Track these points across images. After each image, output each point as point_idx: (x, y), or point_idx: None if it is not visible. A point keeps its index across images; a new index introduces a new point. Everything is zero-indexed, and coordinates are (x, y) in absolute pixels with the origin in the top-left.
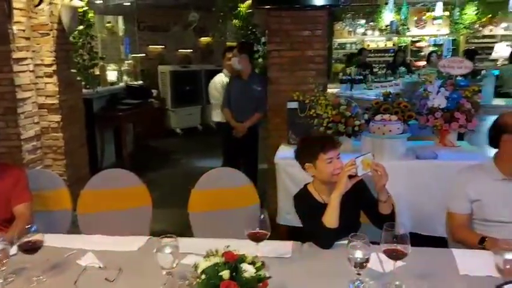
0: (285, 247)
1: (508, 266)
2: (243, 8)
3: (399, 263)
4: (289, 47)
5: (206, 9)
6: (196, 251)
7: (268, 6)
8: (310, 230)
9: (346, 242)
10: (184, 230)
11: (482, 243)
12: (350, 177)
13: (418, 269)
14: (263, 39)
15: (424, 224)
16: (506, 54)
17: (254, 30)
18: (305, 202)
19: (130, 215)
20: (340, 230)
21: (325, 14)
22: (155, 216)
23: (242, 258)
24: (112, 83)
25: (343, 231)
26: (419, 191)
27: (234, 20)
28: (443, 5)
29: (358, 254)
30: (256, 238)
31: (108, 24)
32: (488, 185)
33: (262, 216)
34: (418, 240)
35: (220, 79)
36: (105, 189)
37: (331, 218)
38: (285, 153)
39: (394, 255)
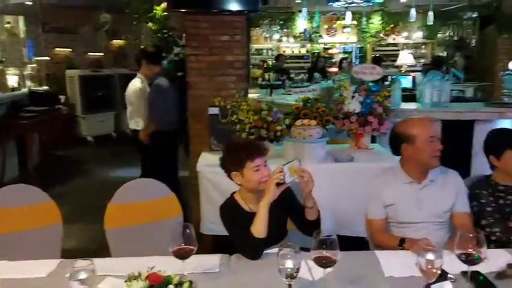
0: (212, 261)
1: (429, 266)
2: (158, 10)
3: (328, 269)
4: (208, 52)
5: (119, 11)
6: (116, 273)
7: (184, 10)
8: (238, 240)
9: (273, 250)
10: (100, 249)
11: (402, 244)
12: (278, 184)
13: (345, 274)
14: (182, 42)
15: (345, 226)
16: (409, 61)
17: (171, 33)
18: (232, 212)
19: (37, 235)
20: (267, 239)
21: (243, 19)
22: (66, 235)
23: (168, 280)
24: (13, 89)
25: (270, 240)
26: (338, 194)
27: (149, 23)
28: (352, 14)
29: (289, 264)
30: (182, 255)
31: (7, 25)
32: (399, 189)
33: (187, 231)
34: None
35: (136, 84)
36: (7, 208)
37: (259, 228)
38: (207, 160)
39: (323, 262)
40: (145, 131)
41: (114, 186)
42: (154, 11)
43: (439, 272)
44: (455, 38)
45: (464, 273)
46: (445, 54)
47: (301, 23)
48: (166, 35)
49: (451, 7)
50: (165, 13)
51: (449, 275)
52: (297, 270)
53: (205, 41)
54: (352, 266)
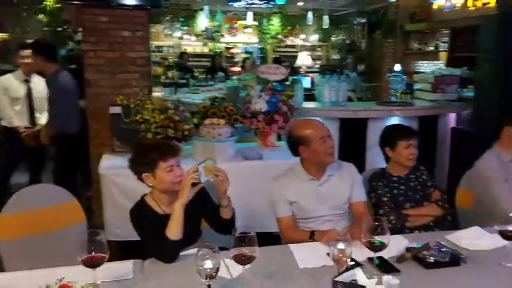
0: (125, 267)
1: (341, 255)
2: (49, 1)
3: (247, 266)
4: (108, 48)
5: (5, 1)
6: None
7: (80, 2)
8: (153, 244)
9: (188, 252)
10: None
11: (312, 236)
12: (193, 184)
13: (262, 269)
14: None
15: (256, 222)
16: (308, 62)
17: (66, 27)
18: (144, 215)
19: None
20: (182, 241)
21: (145, 14)
22: None
23: None
24: None
25: (185, 241)
26: (249, 191)
27: (39, 15)
28: (254, 15)
29: (208, 264)
30: (93, 264)
31: None
32: (300, 187)
33: (98, 238)
34: None
35: (6, 80)
36: None
37: (175, 230)
38: (110, 163)
39: (243, 259)
40: (45, 133)
41: None
42: (45, 2)
43: (349, 260)
44: (347, 42)
45: (370, 259)
46: (338, 56)
47: (202, 22)
48: (59, 29)
49: (343, 12)
50: (58, 5)
51: (358, 262)
52: (217, 270)
53: (104, 36)
54: (267, 261)
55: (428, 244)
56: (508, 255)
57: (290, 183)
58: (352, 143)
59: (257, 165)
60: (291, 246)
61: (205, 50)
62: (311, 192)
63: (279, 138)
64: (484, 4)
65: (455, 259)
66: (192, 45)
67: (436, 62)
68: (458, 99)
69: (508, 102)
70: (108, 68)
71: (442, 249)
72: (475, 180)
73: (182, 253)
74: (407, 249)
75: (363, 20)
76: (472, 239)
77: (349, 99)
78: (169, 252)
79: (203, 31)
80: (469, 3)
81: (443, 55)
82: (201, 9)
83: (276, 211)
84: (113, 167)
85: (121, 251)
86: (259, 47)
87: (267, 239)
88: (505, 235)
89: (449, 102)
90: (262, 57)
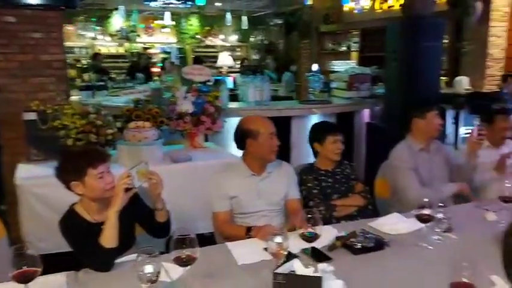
0: (58, 280)
1: (278, 249)
2: None
3: (187, 267)
4: (19, 50)
5: None
6: None
7: None
8: (86, 254)
9: (124, 259)
10: None
11: (248, 232)
12: (126, 190)
13: (201, 269)
14: None
15: (186, 224)
16: (229, 62)
17: None
18: (74, 225)
19: None
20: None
21: (58, 15)
22: None
23: None
24: None
25: (119, 248)
26: (179, 193)
27: None
28: (172, 14)
29: (149, 269)
30: (25, 279)
31: None
32: (242, 182)
33: (29, 252)
34: None
35: None
36: None
37: (110, 238)
38: (28, 173)
39: (184, 261)
40: None
41: None
42: None
43: (286, 253)
44: (266, 42)
45: (303, 250)
46: (258, 56)
47: (117, 21)
48: None
49: (261, 13)
50: None
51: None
52: (158, 274)
53: (14, 38)
54: (206, 261)
55: (354, 232)
56: (425, 236)
57: (232, 178)
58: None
59: (186, 167)
60: (228, 244)
61: (121, 50)
62: (251, 187)
63: (206, 139)
64: (390, 7)
65: (379, 244)
66: (107, 45)
67: (348, 61)
68: (370, 96)
69: (413, 98)
70: (20, 71)
71: (367, 236)
72: (388, 170)
73: (117, 260)
74: (337, 238)
75: (280, 21)
76: (393, 224)
77: (274, 98)
78: (104, 261)
79: (118, 31)
80: (376, 6)
81: (355, 55)
82: (116, 9)
83: (214, 205)
84: (32, 177)
85: (45, 264)
86: (178, 47)
87: (199, 240)
88: (421, 219)
89: (363, 99)
90: (182, 58)
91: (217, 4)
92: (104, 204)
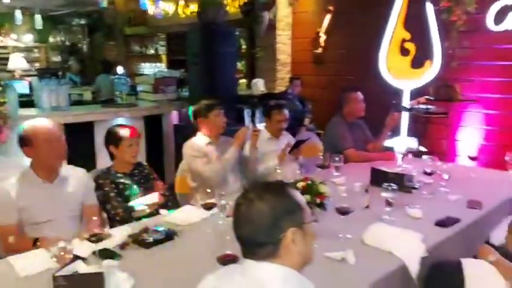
0: None
1: (62, 253)
2: None
3: None
4: None
5: None
6: None
7: None
8: None
9: None
10: None
11: (35, 243)
12: None
13: None
14: None
15: None
16: (22, 65)
17: None
18: None
19: None
20: None
21: None
22: None
23: None
24: None
25: None
26: None
27: None
28: None
29: None
30: None
31: None
32: (33, 191)
33: None
34: None
35: None
36: None
37: None
38: None
39: None
40: None
41: None
42: None
43: (71, 256)
44: (68, 43)
45: (94, 252)
46: (59, 58)
47: None
48: None
49: (60, 12)
50: None
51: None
52: None
53: None
54: None
55: (146, 227)
56: (211, 222)
57: (21, 188)
58: (80, 147)
59: None
60: (10, 258)
61: None
62: (44, 195)
63: None
64: (192, 13)
65: (169, 235)
66: None
67: (158, 64)
68: (177, 98)
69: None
70: None
71: (159, 229)
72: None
73: None
74: (129, 236)
75: (83, 22)
76: (185, 215)
77: (77, 103)
78: None
79: None
80: (180, 11)
81: (164, 58)
82: None
83: None
84: None
85: None
86: None
87: None
88: (206, 207)
89: (170, 101)
90: None
91: (6, 1)
92: None
